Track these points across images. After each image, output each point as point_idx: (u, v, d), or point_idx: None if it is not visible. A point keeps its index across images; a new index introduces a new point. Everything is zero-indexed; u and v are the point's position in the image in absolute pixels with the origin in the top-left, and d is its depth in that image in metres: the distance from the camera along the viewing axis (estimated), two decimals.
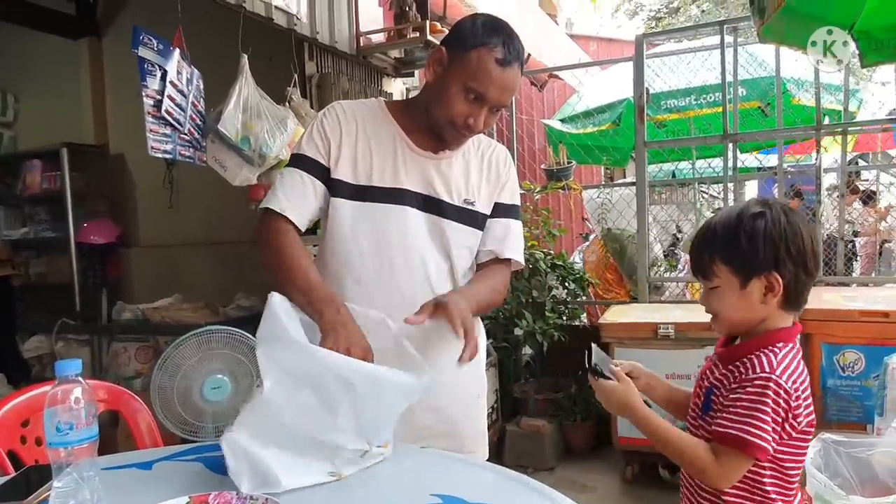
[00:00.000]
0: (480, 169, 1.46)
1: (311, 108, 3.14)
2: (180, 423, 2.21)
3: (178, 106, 2.47)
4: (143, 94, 2.33)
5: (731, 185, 3.70)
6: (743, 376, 1.13)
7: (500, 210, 1.48)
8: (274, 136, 2.68)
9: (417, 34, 3.62)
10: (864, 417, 2.53)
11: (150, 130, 2.37)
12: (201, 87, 2.66)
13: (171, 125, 2.46)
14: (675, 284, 4.55)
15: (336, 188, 1.39)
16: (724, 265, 1.17)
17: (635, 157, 3.87)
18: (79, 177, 3.94)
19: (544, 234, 3.94)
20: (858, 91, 4.46)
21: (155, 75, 2.39)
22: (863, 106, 4.71)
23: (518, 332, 3.51)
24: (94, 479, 1.02)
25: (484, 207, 1.45)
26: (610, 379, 1.20)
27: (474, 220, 1.43)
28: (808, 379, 1.16)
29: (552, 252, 3.87)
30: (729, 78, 3.58)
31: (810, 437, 1.16)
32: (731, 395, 1.13)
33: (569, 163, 4.50)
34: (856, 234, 6.17)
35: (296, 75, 3.09)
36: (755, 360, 1.13)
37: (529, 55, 4.72)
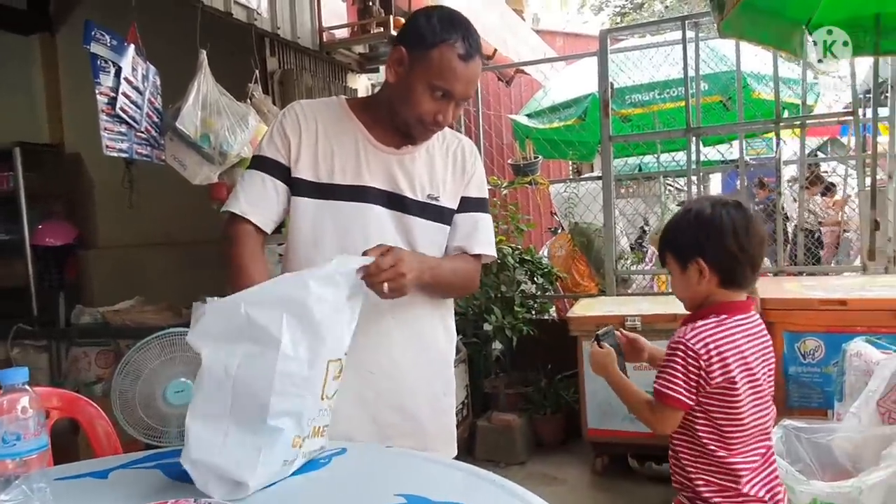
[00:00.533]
0: (445, 163, 1.45)
1: (274, 104, 3.09)
2: (143, 429, 2.15)
3: (134, 103, 2.40)
4: (97, 91, 2.26)
5: (694, 179, 3.75)
6: (671, 342, 1.37)
7: (469, 204, 1.46)
8: (235, 133, 2.63)
9: (381, 29, 3.59)
10: (824, 403, 2.59)
11: (105, 129, 2.29)
12: (158, 83, 2.59)
13: (127, 123, 2.38)
14: (642, 277, 4.61)
15: (298, 187, 1.37)
16: (669, 254, 1.42)
17: (601, 151, 3.90)
18: (33, 177, 3.81)
19: (512, 230, 3.95)
20: (816, 84, 4.55)
21: (108, 72, 2.32)
22: (820, 99, 4.82)
23: (487, 327, 3.52)
24: (44, 490, 0.98)
25: (449, 202, 1.44)
26: (603, 348, 1.46)
27: (440, 215, 1.42)
28: (737, 345, 1.34)
29: (520, 247, 3.88)
30: (691, 73, 3.63)
31: (737, 394, 1.32)
32: (662, 358, 1.39)
33: (535, 157, 4.51)
34: (821, 223, 6.34)
35: (257, 71, 3.03)
36: (680, 329, 1.37)
37: (496, 50, 4.72)
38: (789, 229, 4.54)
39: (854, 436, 1.88)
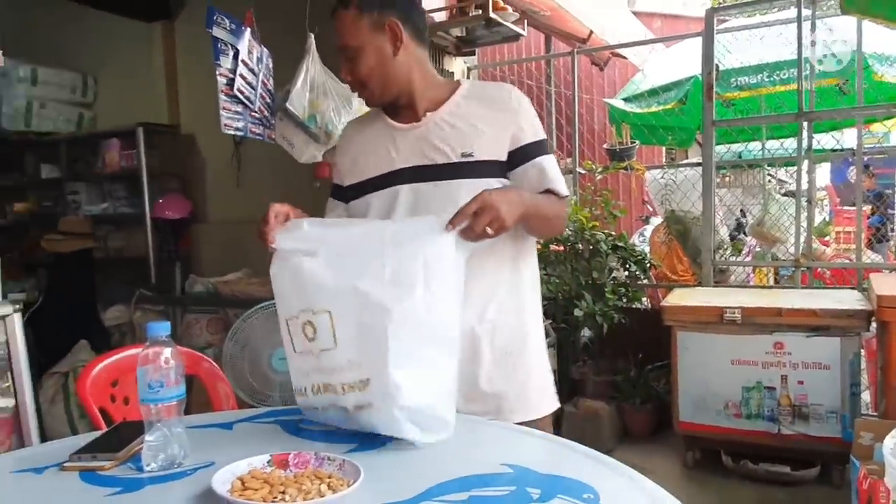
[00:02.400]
0: (477, 115, 1.40)
1: None
2: (250, 392, 2.30)
3: (249, 84, 2.54)
4: (217, 72, 2.40)
5: (804, 167, 3.54)
6: None
7: (528, 153, 1.40)
8: (339, 114, 2.73)
9: (480, 12, 3.59)
10: None
11: (223, 108, 2.44)
12: (270, 65, 2.72)
13: (243, 103, 2.53)
14: (740, 269, 4.42)
15: (345, 196, 1.50)
16: None
17: (702, 135, 3.75)
18: (153, 155, 4.10)
19: (605, 215, 3.88)
20: None
21: (227, 54, 2.46)
22: None
23: (578, 313, 3.49)
24: (181, 435, 1.08)
25: (488, 154, 1.38)
26: None
27: (477, 170, 1.37)
28: None
29: (613, 233, 3.81)
30: (806, 53, 3.41)
31: None
32: None
33: (632, 143, 4.39)
34: None
35: None
36: None
37: (591, 33, 4.62)
38: None
39: None
